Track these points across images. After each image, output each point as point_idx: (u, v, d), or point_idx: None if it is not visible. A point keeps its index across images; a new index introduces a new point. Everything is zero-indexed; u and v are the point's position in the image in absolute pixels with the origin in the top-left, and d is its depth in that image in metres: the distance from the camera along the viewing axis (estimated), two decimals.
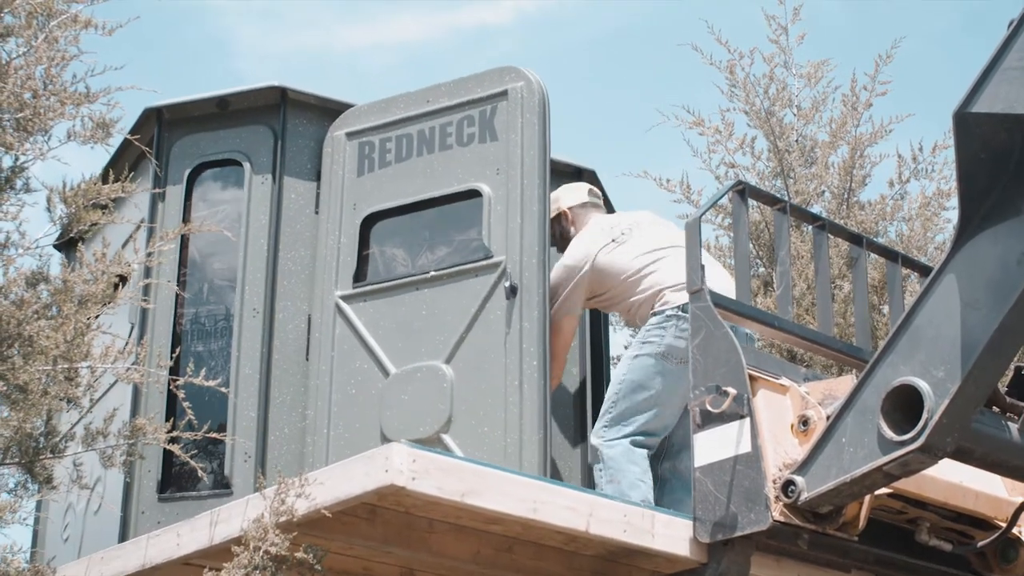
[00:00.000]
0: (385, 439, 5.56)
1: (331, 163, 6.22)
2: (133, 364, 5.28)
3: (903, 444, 4.36)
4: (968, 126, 4.14)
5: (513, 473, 4.71)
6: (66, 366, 4.73)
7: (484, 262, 5.84)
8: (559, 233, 6.25)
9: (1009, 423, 4.66)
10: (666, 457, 6.04)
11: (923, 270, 6.21)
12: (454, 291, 5.86)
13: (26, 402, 4.60)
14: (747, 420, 4.77)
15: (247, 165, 6.21)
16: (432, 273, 5.94)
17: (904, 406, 4.39)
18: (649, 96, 20.13)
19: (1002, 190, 4.26)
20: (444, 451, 5.30)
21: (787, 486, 4.67)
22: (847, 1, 18.67)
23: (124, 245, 6.27)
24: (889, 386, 4.44)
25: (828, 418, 4.70)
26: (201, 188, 6.32)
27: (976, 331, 4.26)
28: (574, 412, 6.50)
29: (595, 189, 6.49)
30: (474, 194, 5.97)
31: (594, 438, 5.88)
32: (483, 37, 22.03)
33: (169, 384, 5.52)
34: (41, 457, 4.75)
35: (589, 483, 5.98)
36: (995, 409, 4.68)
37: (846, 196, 10.03)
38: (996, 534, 5.24)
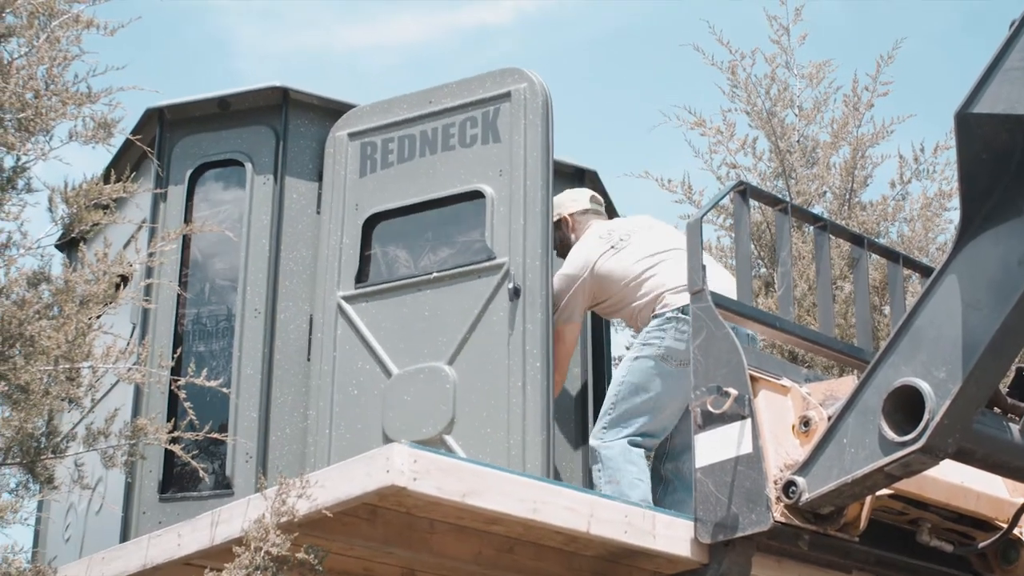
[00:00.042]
0: (387, 440, 5.56)
1: (333, 163, 6.23)
2: (134, 364, 5.29)
3: (904, 445, 4.36)
4: (970, 127, 4.14)
5: (514, 474, 4.71)
6: (67, 366, 4.73)
7: (487, 263, 5.84)
8: (559, 239, 6.24)
9: (1010, 424, 4.65)
10: (668, 458, 6.05)
11: (924, 271, 6.21)
12: (457, 292, 5.86)
13: (27, 402, 4.61)
14: (748, 421, 4.77)
15: (249, 165, 6.22)
16: (435, 274, 5.94)
17: (905, 407, 4.39)
18: (649, 96, 20.14)
19: (1003, 191, 4.26)
20: (445, 451, 5.30)
21: (788, 487, 4.67)
22: (847, 1, 18.67)
23: (126, 245, 6.27)
24: (890, 387, 4.44)
25: (829, 419, 4.70)
26: (203, 188, 6.32)
27: (977, 332, 4.26)
28: (575, 414, 6.50)
29: (597, 196, 6.48)
30: (477, 195, 5.97)
31: (593, 439, 5.89)
32: (483, 37, 22.04)
33: (170, 384, 5.52)
34: (42, 457, 4.75)
35: (590, 485, 5.98)
36: (996, 410, 4.67)
37: (847, 197, 10.03)
38: (997, 535, 5.24)
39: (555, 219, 6.16)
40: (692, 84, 20.03)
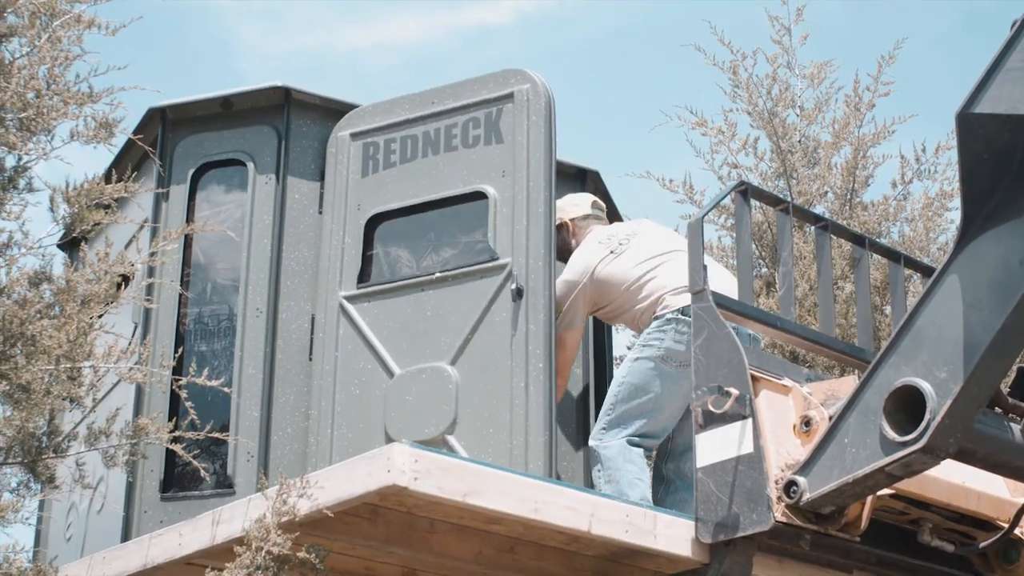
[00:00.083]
0: (389, 440, 5.56)
1: (335, 163, 6.23)
2: (136, 364, 5.29)
3: (905, 445, 4.36)
4: (971, 127, 4.14)
5: (514, 473, 4.71)
6: (69, 366, 4.73)
7: (490, 264, 5.84)
8: (560, 245, 6.23)
9: (1011, 424, 4.66)
10: (670, 457, 6.05)
11: (925, 271, 6.21)
12: (459, 293, 5.86)
13: (29, 402, 4.61)
14: (749, 421, 4.77)
15: (251, 165, 6.22)
16: (437, 274, 5.94)
17: (906, 407, 4.39)
18: (650, 96, 20.14)
19: (1005, 191, 4.26)
20: (446, 451, 5.30)
21: (789, 487, 4.68)
22: (848, 1, 18.67)
23: (127, 245, 6.27)
24: (891, 387, 4.44)
25: (830, 419, 4.70)
26: (205, 188, 6.32)
27: (978, 332, 4.26)
28: (576, 415, 6.50)
29: (599, 201, 6.48)
30: (479, 196, 5.97)
31: (592, 440, 5.89)
32: (483, 37, 22.04)
33: (172, 384, 5.52)
34: (44, 457, 4.76)
35: (591, 486, 5.98)
36: (997, 410, 4.67)
37: (849, 197, 10.03)
38: (998, 535, 5.24)
39: (556, 224, 6.16)
40: (693, 84, 20.05)
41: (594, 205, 6.43)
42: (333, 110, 6.34)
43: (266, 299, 6.03)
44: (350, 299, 6.02)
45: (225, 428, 5.78)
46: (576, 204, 6.40)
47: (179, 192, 6.24)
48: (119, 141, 5.44)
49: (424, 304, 5.91)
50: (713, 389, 4.85)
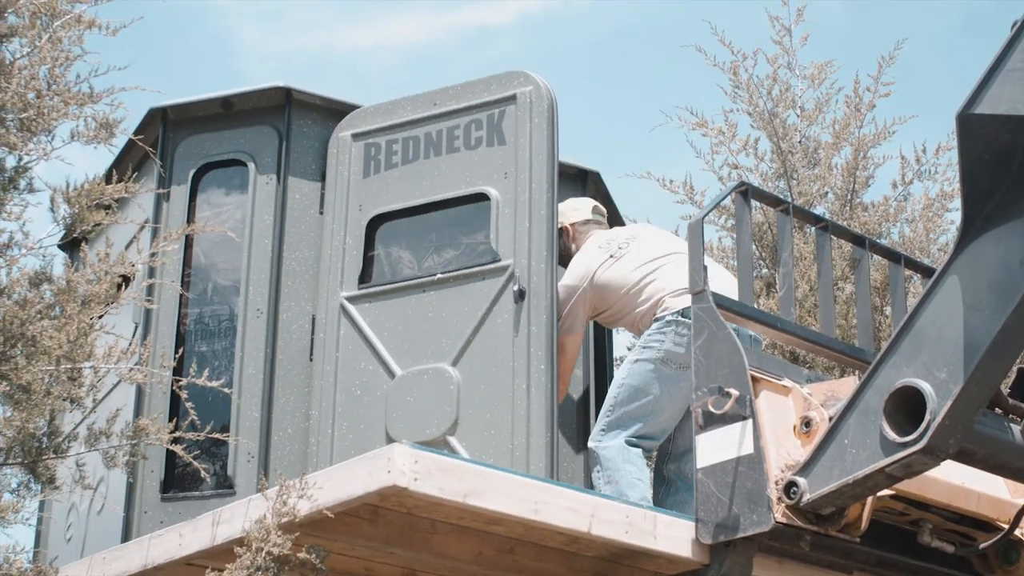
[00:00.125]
0: (390, 440, 5.56)
1: (336, 164, 6.23)
2: (136, 364, 5.29)
3: (905, 445, 4.36)
4: (971, 127, 4.14)
5: (515, 474, 4.71)
6: (69, 366, 4.73)
7: (492, 265, 5.84)
8: (560, 249, 6.23)
9: (1012, 425, 4.66)
10: (671, 458, 6.05)
11: (926, 271, 6.21)
12: (461, 294, 5.86)
13: (29, 402, 4.61)
14: (749, 421, 4.77)
15: (251, 165, 6.22)
16: (439, 275, 5.94)
17: (906, 407, 4.39)
18: (650, 97, 20.14)
19: (1005, 191, 4.26)
20: (446, 452, 5.30)
21: (789, 487, 4.68)
22: (848, 2, 18.67)
23: (128, 245, 6.28)
24: (892, 387, 4.44)
25: (830, 419, 4.70)
26: (205, 188, 6.32)
27: (979, 332, 4.26)
28: (577, 417, 6.49)
29: (599, 206, 6.48)
30: (482, 197, 5.98)
31: (591, 441, 5.89)
32: (483, 37, 22.05)
33: (172, 384, 5.52)
34: (44, 457, 4.76)
35: (591, 487, 5.98)
36: (998, 411, 4.67)
37: (849, 197, 10.03)
38: (998, 536, 5.24)
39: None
40: (693, 85, 20.05)
41: (595, 210, 6.42)
42: (334, 110, 6.34)
43: (267, 300, 6.03)
44: (351, 300, 6.02)
45: (225, 429, 5.78)
46: (577, 209, 6.40)
47: (180, 192, 6.24)
48: (120, 142, 5.45)
49: (426, 305, 5.91)
50: (713, 390, 4.85)
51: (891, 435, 4.41)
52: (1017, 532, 5.28)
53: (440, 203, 6.08)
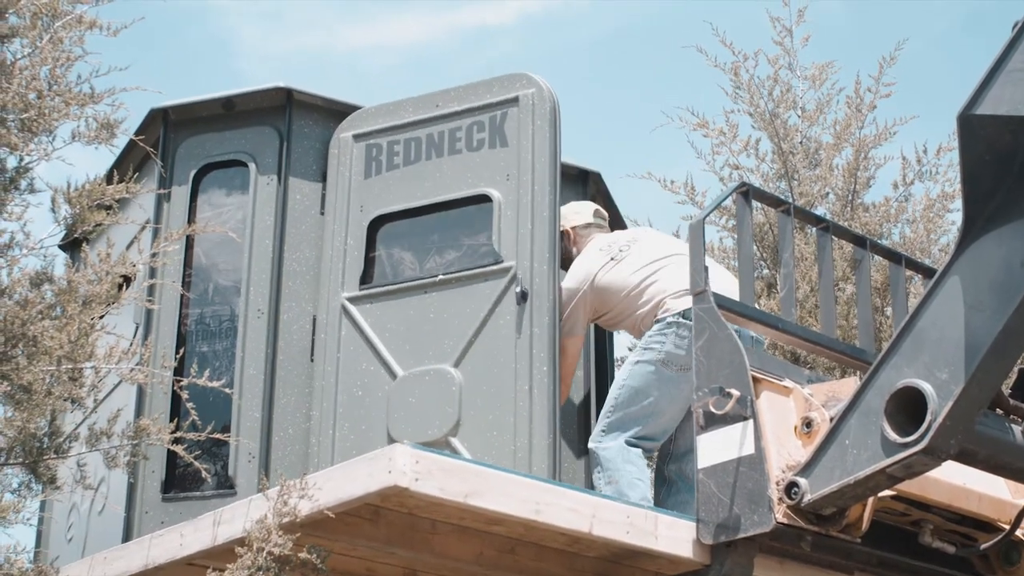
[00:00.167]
0: (392, 441, 5.56)
1: (337, 164, 6.23)
2: (137, 365, 5.29)
3: (906, 446, 4.36)
4: (972, 128, 4.14)
5: (516, 474, 4.71)
6: (70, 366, 4.73)
7: (494, 267, 5.84)
8: (561, 252, 6.23)
9: (1013, 425, 4.65)
10: (672, 459, 6.05)
11: (927, 272, 6.21)
12: (463, 295, 5.86)
13: (30, 402, 4.61)
14: (750, 422, 4.77)
15: (252, 166, 6.22)
16: (441, 276, 5.94)
17: (908, 408, 4.39)
18: (650, 97, 20.14)
19: (1006, 192, 4.26)
20: (447, 452, 5.30)
21: (790, 488, 4.67)
22: (848, 2, 18.67)
23: (129, 246, 6.28)
24: (893, 388, 4.44)
25: (831, 420, 4.70)
26: (206, 189, 6.32)
27: (980, 333, 4.26)
28: (578, 418, 6.49)
29: (601, 210, 6.48)
30: (484, 199, 5.98)
31: (591, 442, 5.89)
32: (484, 37, 22.05)
33: (173, 385, 5.53)
34: (45, 457, 4.76)
35: (592, 488, 5.98)
36: (999, 411, 4.67)
37: (850, 198, 10.03)
38: (999, 536, 5.24)
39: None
40: (693, 85, 20.04)
41: (596, 214, 6.42)
42: (335, 111, 6.35)
43: (267, 300, 6.04)
44: (353, 300, 6.02)
45: (226, 429, 5.78)
46: (578, 212, 6.40)
47: (180, 193, 6.24)
48: (120, 142, 5.44)
49: (427, 306, 5.91)
50: (714, 390, 4.85)
51: (892, 436, 4.40)
52: (1018, 533, 5.28)
53: (442, 204, 6.08)
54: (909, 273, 6.57)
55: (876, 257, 6.18)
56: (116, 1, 5.13)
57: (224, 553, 4.59)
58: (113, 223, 5.23)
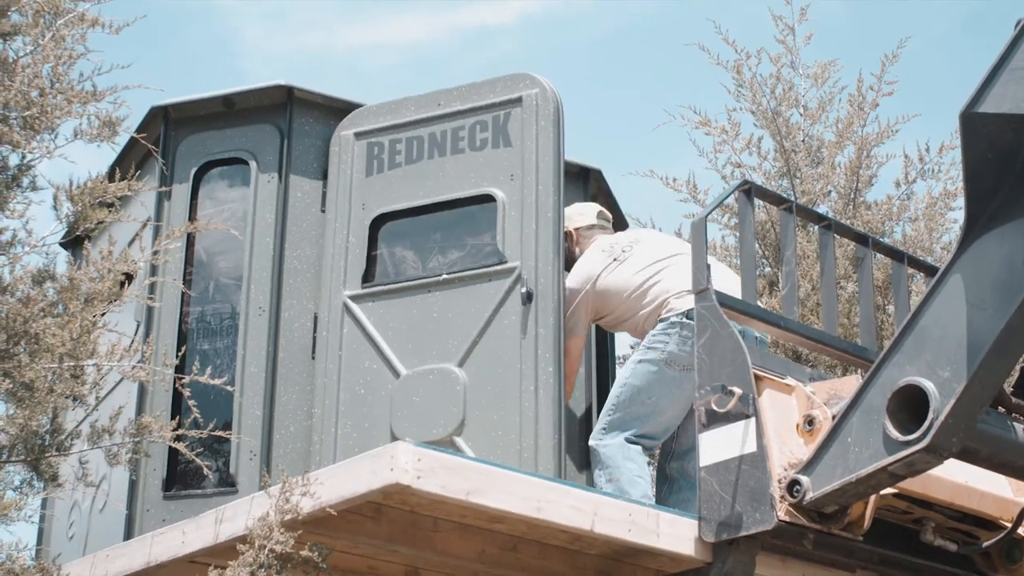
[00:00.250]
0: (395, 439, 5.56)
1: (339, 162, 6.23)
2: (139, 362, 5.29)
3: (908, 444, 4.36)
4: (975, 126, 4.14)
5: (518, 472, 4.71)
6: (72, 364, 4.73)
7: (498, 267, 5.84)
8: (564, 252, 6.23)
9: (1015, 423, 4.65)
10: (674, 457, 6.05)
11: (929, 270, 6.21)
12: (467, 295, 5.86)
13: (32, 400, 4.61)
14: (752, 420, 4.77)
15: (253, 164, 6.22)
16: (445, 276, 5.94)
17: (910, 406, 4.39)
18: (651, 97, 20.13)
19: (1009, 190, 4.26)
20: (449, 450, 5.30)
21: (792, 486, 4.67)
22: (848, 3, 18.67)
23: (130, 243, 6.28)
24: (895, 386, 4.44)
25: (833, 418, 4.70)
26: (207, 187, 6.32)
27: (982, 331, 4.26)
28: (581, 418, 6.49)
29: (605, 212, 6.48)
30: (487, 199, 5.98)
31: (592, 440, 5.89)
32: (484, 37, 22.04)
33: (175, 382, 5.52)
34: (47, 455, 4.75)
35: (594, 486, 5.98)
36: (1001, 409, 4.67)
37: (852, 196, 10.02)
38: (1001, 534, 5.24)
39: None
40: (694, 84, 20.04)
41: (600, 215, 6.42)
42: (335, 109, 6.35)
43: (268, 297, 6.04)
44: (355, 298, 6.02)
45: (228, 426, 5.78)
46: (582, 213, 6.40)
47: (182, 191, 6.25)
48: (122, 140, 5.44)
49: (431, 305, 5.91)
50: (716, 388, 4.84)
51: (894, 434, 4.40)
52: (1020, 530, 5.28)
53: (445, 203, 6.08)
54: (911, 271, 6.56)
55: (878, 255, 6.18)
56: None
57: (226, 551, 4.59)
58: (115, 221, 5.22)
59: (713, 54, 10.23)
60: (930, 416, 4.30)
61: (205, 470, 5.47)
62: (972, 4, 19.36)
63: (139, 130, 6.12)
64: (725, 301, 5.06)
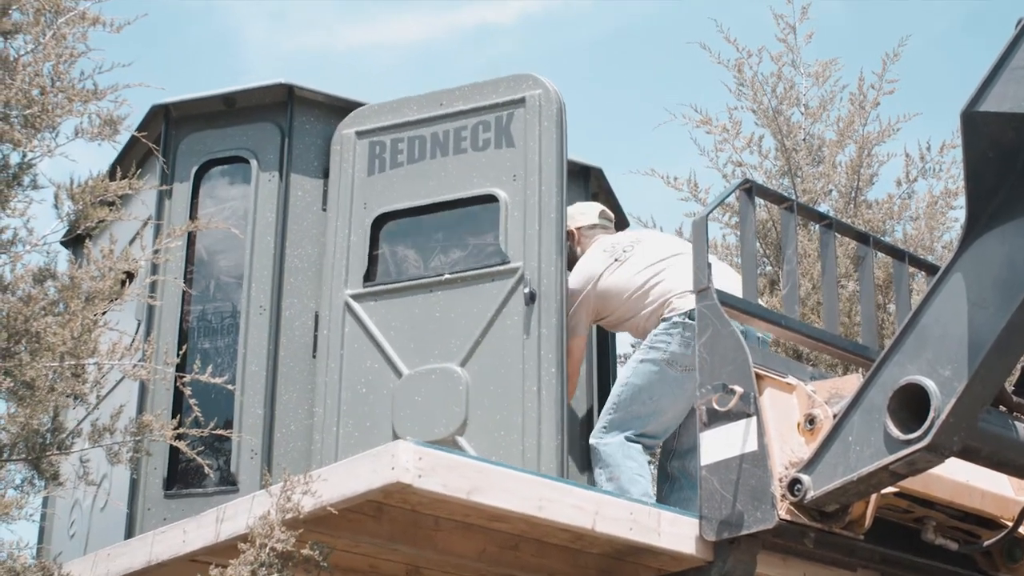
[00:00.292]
0: (397, 438, 5.56)
1: (340, 161, 6.22)
2: (140, 361, 5.29)
3: (910, 443, 4.36)
4: (976, 125, 4.14)
5: (519, 471, 4.71)
6: (73, 362, 4.73)
7: (501, 267, 5.84)
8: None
9: (1016, 422, 4.65)
10: (675, 456, 6.05)
11: (930, 269, 6.20)
12: (469, 295, 5.86)
13: (33, 398, 4.61)
14: (753, 419, 4.76)
15: (254, 162, 6.22)
16: (447, 275, 5.94)
17: (911, 405, 4.39)
18: (651, 96, 20.12)
19: (1010, 189, 4.26)
20: (450, 448, 5.30)
21: (793, 484, 4.67)
22: (848, 3, 18.67)
23: (131, 242, 6.28)
24: (896, 385, 4.44)
25: (834, 417, 4.69)
26: (208, 185, 6.32)
27: (983, 330, 4.26)
28: (582, 419, 6.49)
29: (607, 211, 6.47)
30: (490, 199, 5.98)
31: (592, 439, 5.89)
32: (484, 37, 22.03)
33: (176, 381, 5.52)
34: (48, 453, 4.75)
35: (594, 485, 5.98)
36: (1002, 408, 4.67)
37: (853, 195, 10.02)
38: (1002, 533, 5.24)
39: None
40: (695, 84, 20.03)
41: (602, 215, 6.42)
42: (336, 107, 6.35)
43: (269, 296, 6.03)
44: (356, 298, 6.02)
45: (229, 425, 5.78)
46: (584, 213, 6.39)
47: (182, 189, 6.25)
48: (123, 138, 5.44)
49: (433, 305, 5.91)
50: (717, 387, 4.84)
51: (895, 432, 4.40)
52: (1021, 529, 5.28)
53: (447, 203, 6.08)
54: (912, 270, 6.56)
55: (879, 254, 6.18)
56: None
57: (227, 549, 4.59)
58: (115, 219, 5.22)
59: (714, 53, 10.25)
60: (931, 415, 4.30)
61: (206, 469, 5.47)
62: (972, 4, 19.36)
63: (140, 129, 6.12)
64: (726, 300, 5.06)
